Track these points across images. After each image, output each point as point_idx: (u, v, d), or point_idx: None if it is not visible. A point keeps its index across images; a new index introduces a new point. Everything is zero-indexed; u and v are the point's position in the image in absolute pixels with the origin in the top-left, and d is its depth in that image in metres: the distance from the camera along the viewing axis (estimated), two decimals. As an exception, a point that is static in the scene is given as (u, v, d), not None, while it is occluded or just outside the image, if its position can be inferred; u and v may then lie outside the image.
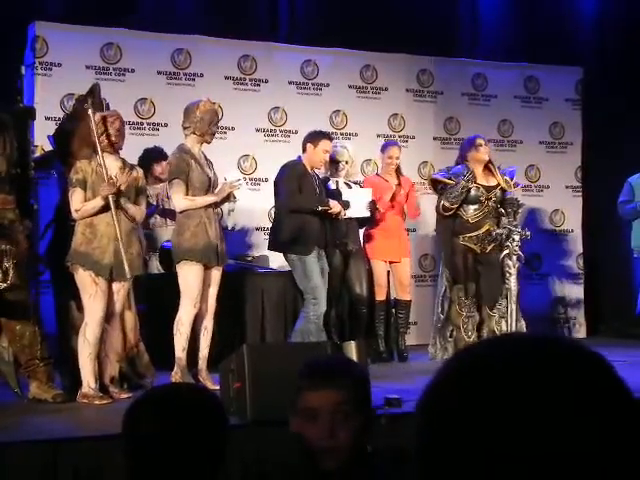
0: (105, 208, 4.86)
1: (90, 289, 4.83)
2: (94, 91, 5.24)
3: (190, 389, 1.95)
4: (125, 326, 5.09)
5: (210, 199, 5.21)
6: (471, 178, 6.45)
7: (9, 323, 4.85)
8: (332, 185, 6.35)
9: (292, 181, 5.85)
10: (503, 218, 6.44)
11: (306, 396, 1.95)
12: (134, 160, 5.72)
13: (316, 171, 6.13)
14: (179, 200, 5.20)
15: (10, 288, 4.62)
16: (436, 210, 6.68)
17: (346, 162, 6.39)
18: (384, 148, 6.78)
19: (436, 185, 6.62)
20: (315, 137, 5.95)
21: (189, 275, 5.17)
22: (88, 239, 4.87)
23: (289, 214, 5.86)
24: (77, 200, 4.89)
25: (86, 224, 4.89)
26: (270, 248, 6.19)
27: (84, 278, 4.84)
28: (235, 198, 5.45)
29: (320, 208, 5.85)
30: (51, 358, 4.92)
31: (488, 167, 6.58)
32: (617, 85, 8.40)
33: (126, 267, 4.82)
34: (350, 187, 6.43)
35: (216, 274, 5.29)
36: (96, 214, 4.88)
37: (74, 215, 4.91)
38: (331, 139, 6.13)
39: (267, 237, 7.22)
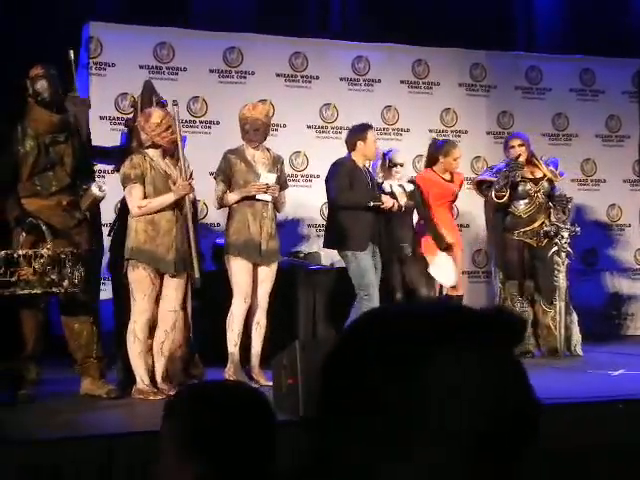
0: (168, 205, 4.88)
1: (147, 288, 4.84)
2: (149, 88, 5.30)
3: (235, 386, 1.92)
4: (174, 325, 5.12)
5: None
6: (514, 166, 6.32)
7: (69, 321, 4.92)
8: (387, 188, 6.33)
9: (343, 178, 5.85)
10: (552, 214, 6.36)
11: None
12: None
13: (375, 175, 6.13)
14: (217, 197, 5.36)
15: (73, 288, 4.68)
16: (485, 206, 6.62)
17: (402, 165, 6.36)
18: (443, 147, 6.60)
19: (481, 187, 6.55)
20: (361, 132, 5.94)
21: (235, 270, 5.24)
22: (151, 236, 4.85)
23: (341, 211, 5.85)
24: (138, 196, 4.86)
25: (147, 221, 4.86)
26: (325, 246, 6.19)
27: (143, 277, 4.84)
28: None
29: (372, 204, 5.82)
30: (105, 357, 4.98)
31: (532, 161, 6.50)
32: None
33: (196, 268, 4.87)
34: (404, 189, 6.36)
35: (266, 271, 5.31)
36: (159, 211, 4.89)
37: (135, 211, 4.86)
38: (373, 128, 6.11)
39: (319, 234, 7.24)
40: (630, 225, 8.29)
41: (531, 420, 0.74)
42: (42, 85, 4.81)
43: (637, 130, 8.29)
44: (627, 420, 4.22)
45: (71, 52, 5.18)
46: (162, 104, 5.30)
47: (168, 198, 4.89)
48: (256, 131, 5.34)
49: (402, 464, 0.70)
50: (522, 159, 6.41)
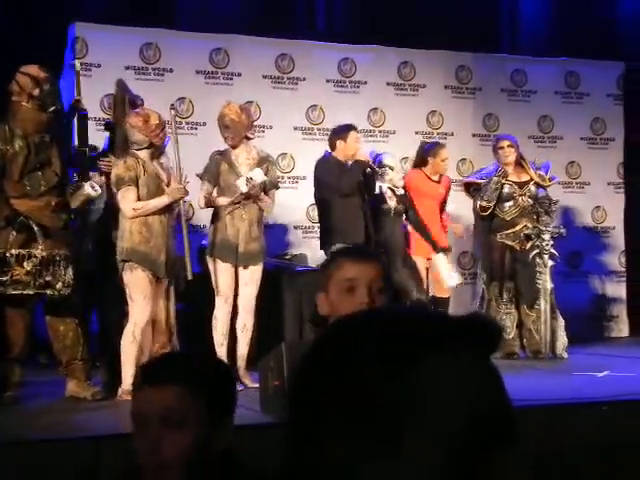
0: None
1: (145, 289, 4.84)
2: (122, 87, 5.30)
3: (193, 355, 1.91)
4: (159, 326, 5.12)
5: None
6: (502, 174, 6.45)
7: (54, 322, 4.90)
8: (377, 190, 6.37)
9: (333, 168, 5.91)
10: (539, 216, 6.42)
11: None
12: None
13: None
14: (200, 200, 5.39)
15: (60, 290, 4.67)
16: (474, 211, 6.68)
17: (392, 169, 6.38)
18: (432, 149, 6.69)
19: (469, 188, 6.64)
20: (342, 132, 6.01)
21: (215, 271, 5.27)
22: (146, 238, 4.86)
23: (336, 208, 5.89)
24: (132, 198, 4.87)
25: (142, 223, 4.87)
26: (322, 247, 6.18)
27: (141, 279, 4.84)
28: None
29: (369, 170, 5.92)
30: (90, 359, 4.97)
31: (520, 164, 6.55)
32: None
33: (189, 268, 4.89)
34: (394, 192, 6.39)
35: (249, 273, 5.30)
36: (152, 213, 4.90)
37: (131, 213, 4.86)
38: (356, 129, 6.14)
39: (305, 235, 7.24)
40: (614, 227, 8.34)
41: (505, 423, 0.75)
42: (48, 89, 4.79)
43: (621, 133, 8.35)
44: (611, 421, 4.25)
45: (77, 62, 5.22)
46: (135, 102, 5.31)
47: (163, 201, 4.91)
48: (226, 128, 5.32)
49: (386, 463, 0.71)
50: (511, 159, 6.46)
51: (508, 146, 6.51)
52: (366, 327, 0.77)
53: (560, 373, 5.76)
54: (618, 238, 8.33)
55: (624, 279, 8.30)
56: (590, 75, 8.28)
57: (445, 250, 6.60)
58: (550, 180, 6.63)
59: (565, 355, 6.42)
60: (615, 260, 8.30)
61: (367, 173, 6.08)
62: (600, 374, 5.57)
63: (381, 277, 2.02)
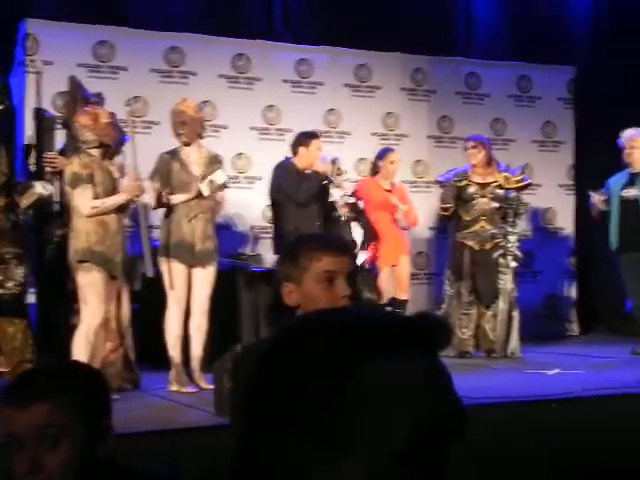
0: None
1: (101, 291, 4.76)
2: (75, 84, 5.25)
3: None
4: (110, 327, 5.08)
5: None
6: (462, 176, 6.55)
7: (2, 323, 4.82)
8: (330, 198, 6.42)
9: (291, 175, 5.91)
10: (507, 216, 6.52)
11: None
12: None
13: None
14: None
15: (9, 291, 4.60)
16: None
17: (345, 172, 6.42)
18: (383, 154, 6.83)
19: (440, 184, 6.82)
20: (305, 138, 6.01)
21: (168, 271, 5.20)
22: (102, 237, 4.79)
23: (290, 213, 5.88)
24: (89, 196, 4.80)
25: (98, 222, 4.80)
26: (275, 252, 6.18)
27: (97, 280, 4.76)
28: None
29: (326, 180, 5.93)
30: (35, 361, 4.89)
31: (489, 164, 6.65)
32: (609, 84, 8.42)
33: (149, 265, 4.84)
34: (345, 200, 6.43)
35: (203, 273, 5.26)
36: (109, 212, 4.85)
37: (89, 212, 4.78)
38: (319, 137, 6.16)
39: (261, 236, 7.24)
40: (565, 229, 8.49)
41: (452, 421, 0.76)
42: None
43: (572, 136, 8.49)
44: (561, 419, 4.32)
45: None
46: (88, 99, 5.25)
47: (120, 198, 4.85)
48: (183, 124, 5.27)
49: (335, 466, 0.72)
50: (476, 160, 6.55)
51: (472, 147, 6.63)
52: (311, 337, 0.77)
53: (512, 371, 5.85)
54: (568, 239, 8.48)
55: (574, 279, 8.44)
56: (542, 79, 8.41)
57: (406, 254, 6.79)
58: (520, 182, 6.71)
59: (518, 354, 6.52)
60: (566, 260, 8.45)
61: (324, 184, 6.07)
62: (550, 372, 5.67)
63: (353, 269, 2.11)
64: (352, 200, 6.39)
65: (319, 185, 5.97)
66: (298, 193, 5.84)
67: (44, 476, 1.50)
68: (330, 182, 6.04)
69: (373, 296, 6.44)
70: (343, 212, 6.28)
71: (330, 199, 6.25)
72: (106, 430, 1.58)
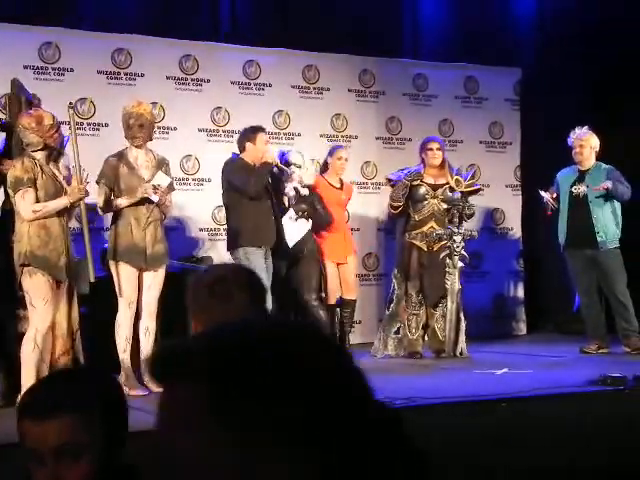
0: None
1: (47, 294, 4.72)
2: (18, 86, 5.18)
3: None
4: (60, 331, 5.00)
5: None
6: (414, 177, 6.59)
7: None
8: (286, 191, 6.41)
9: (240, 170, 5.91)
10: (453, 217, 6.58)
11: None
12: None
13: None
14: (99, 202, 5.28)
15: None
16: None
17: (299, 167, 6.41)
18: (333, 151, 6.89)
19: (390, 183, 6.83)
20: (251, 133, 6.04)
21: (119, 275, 5.19)
22: (44, 241, 4.75)
23: (239, 208, 5.88)
24: (31, 200, 4.75)
25: (40, 225, 4.76)
26: (228, 248, 6.16)
27: (41, 283, 4.72)
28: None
29: (276, 168, 5.96)
30: None
31: (443, 166, 6.70)
32: (555, 85, 8.56)
33: (91, 271, 4.79)
34: (297, 192, 6.42)
35: (153, 276, 5.26)
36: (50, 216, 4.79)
37: (30, 216, 4.74)
38: (264, 131, 6.16)
39: (211, 238, 7.21)
40: (512, 228, 8.60)
41: (388, 424, 0.76)
42: None
43: (519, 136, 8.61)
44: (510, 418, 4.38)
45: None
46: (30, 101, 5.19)
47: (63, 202, 4.80)
48: (141, 127, 5.26)
49: (278, 466, 0.72)
50: (437, 162, 6.60)
51: (437, 149, 6.66)
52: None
53: (462, 371, 5.90)
54: (516, 239, 8.60)
55: (522, 278, 8.56)
56: (488, 80, 8.51)
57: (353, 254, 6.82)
58: (470, 187, 6.77)
59: (466, 353, 6.58)
60: (514, 260, 8.56)
61: (275, 174, 6.11)
62: (499, 372, 5.73)
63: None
64: (306, 191, 6.39)
65: (269, 175, 5.98)
66: (248, 186, 5.83)
67: None
68: (281, 171, 6.06)
69: (311, 297, 6.44)
70: (297, 208, 6.29)
71: (286, 192, 6.28)
72: (124, 439, 1.51)
